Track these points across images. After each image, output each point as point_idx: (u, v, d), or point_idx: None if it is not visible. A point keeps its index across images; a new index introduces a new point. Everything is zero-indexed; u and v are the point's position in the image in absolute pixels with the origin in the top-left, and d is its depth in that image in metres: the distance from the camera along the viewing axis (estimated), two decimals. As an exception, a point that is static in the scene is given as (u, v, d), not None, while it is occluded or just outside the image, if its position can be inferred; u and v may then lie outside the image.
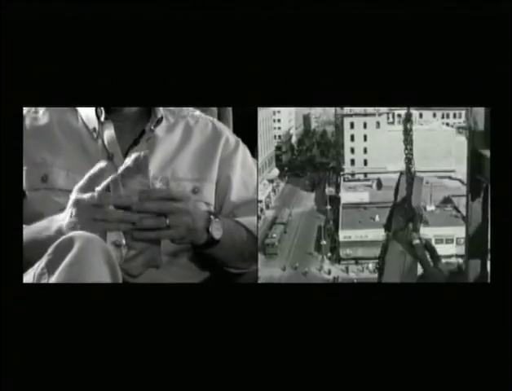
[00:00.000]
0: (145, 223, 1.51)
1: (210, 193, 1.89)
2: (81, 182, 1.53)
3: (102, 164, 1.53)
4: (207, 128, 1.99)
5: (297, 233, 24.00)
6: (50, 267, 1.40)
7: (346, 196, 24.65)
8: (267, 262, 20.11)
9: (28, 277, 1.45)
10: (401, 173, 3.28)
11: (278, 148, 38.41)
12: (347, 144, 29.90)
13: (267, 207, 27.63)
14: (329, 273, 18.72)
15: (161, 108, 1.89)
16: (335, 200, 25.73)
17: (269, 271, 19.09)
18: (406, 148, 2.86)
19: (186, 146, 1.91)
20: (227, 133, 2.04)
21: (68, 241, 1.40)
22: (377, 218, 18.22)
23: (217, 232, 1.68)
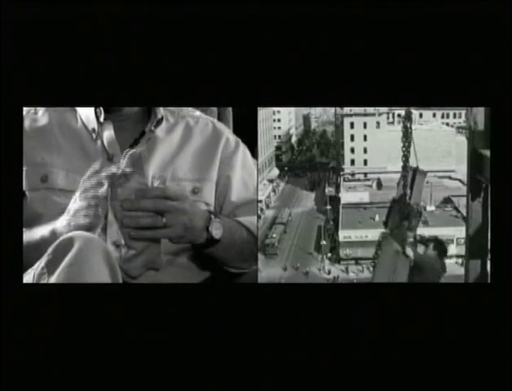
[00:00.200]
0: (141, 222, 1.51)
1: (210, 193, 1.89)
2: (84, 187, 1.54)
3: (96, 165, 1.55)
4: (207, 128, 1.99)
5: (297, 233, 24.00)
6: (50, 267, 1.40)
7: (346, 196, 24.65)
8: (267, 262, 20.11)
9: (28, 277, 1.45)
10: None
11: (278, 148, 38.41)
12: (347, 144, 29.91)
13: (267, 206, 27.63)
14: (329, 273, 18.72)
15: (161, 109, 1.89)
16: (335, 200, 25.73)
17: (270, 271, 19.10)
18: (404, 146, 2.86)
19: (186, 146, 1.91)
20: (227, 133, 2.04)
21: (67, 241, 1.40)
22: (377, 218, 18.22)
23: (217, 232, 1.68)
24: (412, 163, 3.26)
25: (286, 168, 36.85)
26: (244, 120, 2.36)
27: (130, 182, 1.52)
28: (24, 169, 1.75)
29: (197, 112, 2.03)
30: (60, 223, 1.57)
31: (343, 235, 19.94)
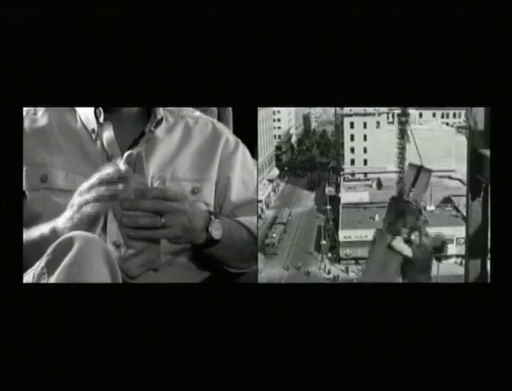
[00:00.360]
0: (140, 222, 1.51)
1: (210, 193, 1.89)
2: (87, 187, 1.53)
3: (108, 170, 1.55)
4: (207, 128, 1.99)
5: (297, 233, 24.00)
6: (50, 267, 1.40)
7: (346, 196, 24.65)
8: (267, 262, 20.12)
9: (28, 277, 1.45)
10: (409, 164, 3.25)
11: (278, 148, 38.41)
12: (347, 144, 29.91)
13: (267, 206, 27.63)
14: (329, 273, 18.73)
15: (160, 109, 1.89)
16: (335, 200, 25.73)
17: (270, 271, 19.10)
18: (399, 145, 2.86)
19: (185, 146, 1.91)
20: (227, 133, 2.04)
21: (67, 241, 1.40)
22: (376, 218, 18.21)
23: (216, 232, 1.68)
24: (416, 162, 3.25)
25: (286, 168, 36.85)
26: (244, 120, 2.36)
27: (130, 183, 1.52)
28: (24, 169, 1.75)
29: (197, 113, 2.03)
30: (61, 220, 1.57)
31: (343, 234, 19.94)
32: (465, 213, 3.42)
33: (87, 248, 1.40)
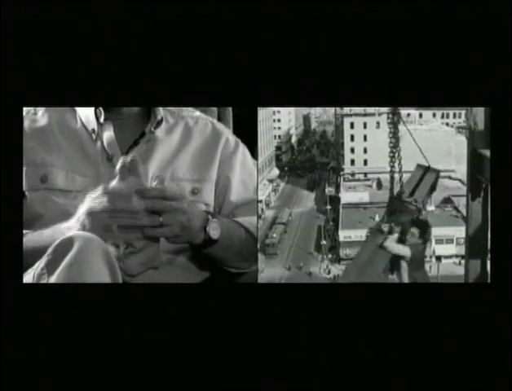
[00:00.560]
0: (139, 221, 1.52)
1: (210, 194, 1.90)
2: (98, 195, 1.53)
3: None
4: (207, 128, 1.99)
5: (297, 233, 24.01)
6: (50, 267, 1.40)
7: (346, 196, 24.66)
8: (269, 262, 20.14)
9: (28, 277, 1.45)
10: (417, 165, 3.24)
11: (278, 148, 38.43)
12: (347, 144, 29.91)
13: (267, 205, 27.62)
14: (329, 273, 18.74)
15: (161, 110, 1.89)
16: (335, 200, 25.73)
17: (270, 271, 19.11)
18: (391, 144, 2.84)
19: (185, 146, 1.91)
20: (227, 133, 2.04)
21: (67, 241, 1.40)
22: (376, 218, 18.21)
23: (214, 232, 1.68)
24: (424, 163, 3.24)
25: (286, 168, 36.87)
26: (244, 121, 2.36)
27: (129, 184, 1.53)
28: (24, 169, 1.75)
29: (197, 113, 2.03)
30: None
31: (343, 235, 19.96)
32: (465, 213, 3.42)
33: (87, 248, 1.40)
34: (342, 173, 30.04)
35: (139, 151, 1.81)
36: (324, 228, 22.17)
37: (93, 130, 1.81)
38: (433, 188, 3.21)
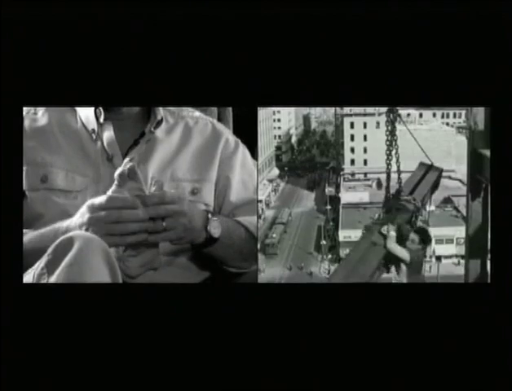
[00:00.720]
0: (143, 228, 1.54)
1: (210, 194, 1.89)
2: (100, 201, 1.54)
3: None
4: (207, 129, 1.99)
5: (297, 233, 24.00)
6: (50, 267, 1.40)
7: (346, 196, 24.65)
8: (269, 262, 20.13)
9: (28, 277, 1.45)
10: (420, 163, 3.23)
11: (278, 148, 38.42)
12: (347, 144, 29.90)
13: (268, 205, 27.61)
14: (329, 273, 18.73)
15: (161, 110, 1.89)
16: (335, 200, 25.73)
17: (271, 271, 19.11)
18: (387, 143, 2.83)
19: (185, 147, 1.91)
20: (227, 134, 2.04)
21: (67, 241, 1.40)
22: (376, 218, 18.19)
23: (215, 230, 1.69)
24: (427, 161, 3.23)
25: (286, 168, 36.86)
26: (245, 121, 2.36)
27: (128, 189, 1.55)
28: (24, 168, 1.75)
29: (197, 113, 2.03)
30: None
31: (343, 235, 19.94)
32: (465, 213, 3.42)
33: (87, 248, 1.40)
34: (341, 173, 30.04)
35: (138, 151, 1.81)
36: (324, 228, 22.16)
37: (93, 130, 1.81)
38: (435, 186, 3.20)
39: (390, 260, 2.53)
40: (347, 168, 29.90)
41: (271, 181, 31.56)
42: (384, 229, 2.57)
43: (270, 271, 19.20)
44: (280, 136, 39.54)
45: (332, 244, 21.09)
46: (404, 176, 2.99)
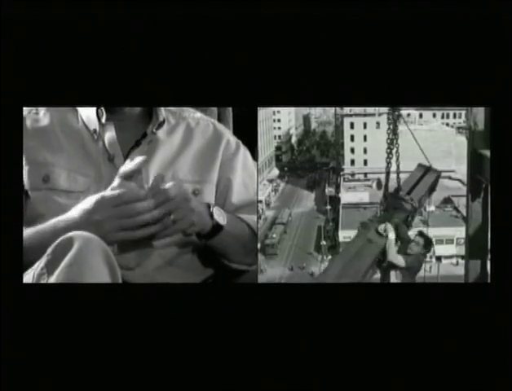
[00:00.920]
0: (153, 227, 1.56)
1: (211, 195, 1.90)
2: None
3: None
4: (208, 130, 1.99)
5: (297, 233, 24.01)
6: (50, 267, 1.40)
7: (346, 196, 24.66)
8: (269, 262, 20.14)
9: (28, 277, 1.45)
10: (418, 164, 3.24)
11: (278, 148, 38.44)
12: (347, 144, 29.91)
13: (268, 205, 27.61)
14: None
15: (162, 111, 1.89)
16: (335, 200, 25.74)
17: (271, 271, 19.11)
18: (388, 143, 2.84)
19: (187, 148, 1.91)
20: (228, 135, 2.04)
21: (67, 241, 1.40)
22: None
23: (220, 218, 1.71)
24: (426, 163, 3.24)
25: (286, 168, 36.87)
26: (245, 121, 2.36)
27: (131, 187, 1.56)
28: (26, 168, 1.75)
29: (198, 114, 2.03)
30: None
31: (343, 235, 19.94)
32: (465, 214, 3.42)
33: (87, 248, 1.40)
34: (341, 173, 30.05)
35: (140, 152, 1.81)
36: (323, 228, 22.17)
37: (94, 130, 1.81)
38: (432, 189, 3.20)
39: (384, 259, 2.53)
40: (347, 168, 29.91)
41: (271, 181, 31.57)
42: (381, 228, 2.57)
43: (270, 271, 19.20)
44: (280, 136, 39.55)
45: (332, 244, 21.09)
46: (404, 176, 2.99)
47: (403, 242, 2.72)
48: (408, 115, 29.64)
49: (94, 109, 1.82)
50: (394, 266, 2.59)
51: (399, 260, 2.58)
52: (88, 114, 1.83)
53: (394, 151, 2.76)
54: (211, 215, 1.69)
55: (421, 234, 2.77)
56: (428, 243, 2.75)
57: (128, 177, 1.57)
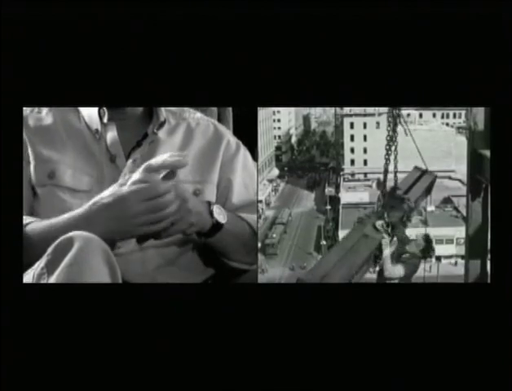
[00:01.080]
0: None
1: (212, 195, 1.90)
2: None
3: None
4: (208, 130, 1.99)
5: (297, 233, 24.02)
6: (50, 267, 1.40)
7: (346, 196, 24.67)
8: (269, 262, 20.15)
9: (28, 277, 1.45)
10: (414, 167, 3.24)
11: (278, 148, 38.44)
12: (347, 144, 29.92)
13: (268, 205, 27.61)
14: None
15: (163, 111, 1.89)
16: (335, 200, 25.74)
17: (271, 271, 19.12)
18: (388, 145, 2.83)
19: (187, 148, 1.91)
20: (229, 135, 2.04)
21: (67, 241, 1.40)
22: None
23: (220, 216, 1.70)
24: (422, 165, 3.24)
25: (286, 168, 36.88)
26: (245, 121, 2.36)
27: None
28: (33, 164, 1.76)
29: (198, 114, 2.03)
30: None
31: (343, 234, 19.94)
32: (465, 214, 3.42)
33: (87, 248, 1.40)
34: (341, 173, 30.05)
35: (141, 152, 1.81)
36: (323, 228, 22.18)
37: (96, 130, 1.81)
38: (428, 191, 3.20)
39: (380, 255, 2.53)
40: (347, 168, 29.92)
41: (271, 181, 31.57)
42: (378, 224, 2.57)
43: (270, 271, 19.20)
44: (279, 136, 39.55)
45: (332, 244, 21.08)
46: (402, 176, 2.99)
47: (400, 241, 2.72)
48: (408, 115, 29.64)
49: (95, 108, 1.82)
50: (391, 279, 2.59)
51: (396, 271, 2.57)
52: (90, 113, 1.83)
53: (393, 148, 2.76)
54: (211, 213, 1.69)
55: (426, 238, 2.76)
56: (427, 249, 2.74)
57: (154, 170, 1.57)
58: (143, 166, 1.58)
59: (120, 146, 1.80)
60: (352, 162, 30.00)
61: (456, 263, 18.87)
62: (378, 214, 2.71)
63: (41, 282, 1.40)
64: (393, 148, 2.76)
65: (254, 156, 2.14)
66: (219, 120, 2.24)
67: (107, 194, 1.55)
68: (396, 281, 2.61)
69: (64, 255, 1.38)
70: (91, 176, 1.77)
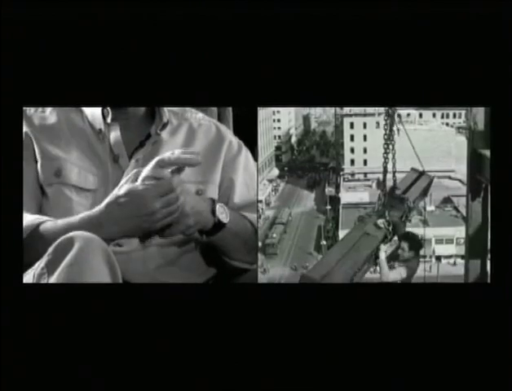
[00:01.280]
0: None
1: (214, 195, 1.90)
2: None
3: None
4: (210, 131, 1.99)
5: (297, 233, 24.02)
6: (50, 267, 1.40)
7: (346, 196, 24.68)
8: (269, 262, 20.16)
9: (28, 277, 1.45)
10: (411, 168, 3.25)
11: (278, 148, 38.46)
12: (347, 144, 29.93)
13: (268, 205, 27.62)
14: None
15: (166, 112, 1.89)
16: (335, 200, 25.75)
17: (271, 271, 19.12)
18: (385, 146, 2.83)
19: (189, 149, 1.91)
20: (230, 136, 2.05)
21: (67, 241, 1.40)
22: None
23: (222, 215, 1.70)
24: (419, 167, 3.24)
25: (286, 168, 36.89)
26: (245, 121, 2.36)
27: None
28: (40, 163, 1.76)
29: (200, 114, 2.04)
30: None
31: (343, 234, 19.95)
32: (465, 213, 3.42)
33: (88, 248, 1.40)
34: (341, 173, 30.06)
35: (144, 152, 1.82)
36: (323, 228, 22.19)
37: (99, 130, 1.81)
38: (424, 193, 3.20)
39: (378, 256, 2.53)
40: (347, 168, 29.93)
41: (271, 181, 31.58)
42: (380, 222, 2.57)
43: (271, 271, 19.21)
44: (279, 136, 39.56)
45: (332, 244, 21.08)
46: (400, 176, 2.99)
47: (400, 240, 2.72)
48: (408, 115, 29.65)
49: (98, 108, 1.82)
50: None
51: (392, 276, 2.57)
52: (93, 113, 1.84)
53: (390, 147, 2.76)
54: (213, 212, 1.69)
55: (405, 237, 2.75)
56: (414, 245, 2.73)
57: (166, 166, 1.57)
58: (154, 161, 1.57)
59: (123, 146, 1.80)
60: (352, 162, 30.01)
61: (454, 263, 18.88)
62: (379, 213, 2.71)
63: (42, 282, 1.40)
64: (390, 147, 2.75)
65: (254, 156, 2.14)
66: (219, 120, 2.24)
67: (122, 192, 1.55)
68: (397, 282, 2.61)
69: (64, 255, 1.38)
70: (96, 175, 1.77)
